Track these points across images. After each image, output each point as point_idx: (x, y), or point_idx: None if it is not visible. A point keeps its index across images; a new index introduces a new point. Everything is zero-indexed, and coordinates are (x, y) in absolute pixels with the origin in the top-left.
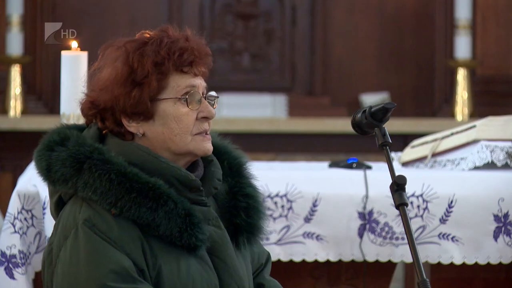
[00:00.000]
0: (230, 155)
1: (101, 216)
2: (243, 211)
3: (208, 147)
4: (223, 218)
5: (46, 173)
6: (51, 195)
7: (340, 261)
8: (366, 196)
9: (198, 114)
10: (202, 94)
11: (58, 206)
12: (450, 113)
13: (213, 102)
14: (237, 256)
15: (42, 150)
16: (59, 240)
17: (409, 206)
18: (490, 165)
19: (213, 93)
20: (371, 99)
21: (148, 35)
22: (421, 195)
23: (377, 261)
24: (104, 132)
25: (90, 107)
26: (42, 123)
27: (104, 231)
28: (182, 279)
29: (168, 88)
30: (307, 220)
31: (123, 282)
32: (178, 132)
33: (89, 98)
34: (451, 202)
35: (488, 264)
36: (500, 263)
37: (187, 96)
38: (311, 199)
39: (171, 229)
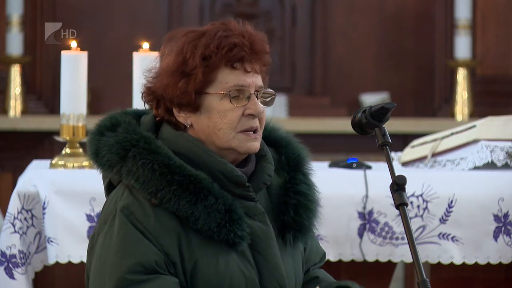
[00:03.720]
0: (290, 149)
1: (140, 205)
2: (292, 208)
3: (251, 146)
4: (273, 213)
5: (95, 157)
6: (103, 179)
7: (340, 261)
8: (366, 196)
9: (244, 111)
10: (256, 91)
11: (108, 190)
12: (450, 113)
13: (268, 100)
14: (284, 254)
15: (93, 135)
16: (100, 224)
17: (409, 206)
18: (490, 165)
19: (269, 90)
20: (371, 99)
21: (209, 27)
22: (421, 195)
23: (377, 261)
24: (157, 119)
25: (148, 93)
26: (42, 123)
27: (141, 220)
28: (219, 274)
29: (216, 82)
30: None
31: (145, 274)
32: (221, 127)
33: (147, 84)
34: (451, 202)
35: (488, 264)
36: (500, 263)
37: (230, 92)
38: None
39: (209, 223)
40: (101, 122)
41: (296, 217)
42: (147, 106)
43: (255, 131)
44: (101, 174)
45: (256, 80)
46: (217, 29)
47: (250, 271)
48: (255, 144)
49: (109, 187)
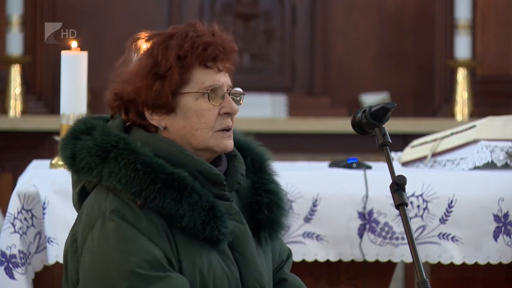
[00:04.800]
0: (253, 151)
1: (129, 207)
2: (266, 207)
3: (228, 144)
4: (245, 213)
5: (71, 161)
6: (74, 185)
7: (340, 261)
8: (366, 196)
9: (220, 110)
10: (227, 90)
11: (81, 196)
12: (450, 113)
13: (238, 99)
14: (258, 252)
15: (67, 139)
16: (84, 229)
17: (409, 206)
18: (490, 165)
19: (238, 89)
20: (371, 99)
21: (175, 29)
22: (421, 195)
23: (377, 261)
24: (127, 124)
25: (115, 98)
26: (42, 123)
27: (132, 222)
28: (204, 273)
29: (191, 82)
30: (307, 220)
31: (154, 271)
32: (199, 126)
33: (113, 89)
34: (451, 202)
35: (488, 264)
36: (500, 263)
37: (209, 91)
38: (311, 199)
39: (194, 221)
40: (74, 126)
41: (271, 215)
42: (109, 112)
43: (228, 130)
44: (72, 180)
45: (227, 79)
46: (186, 30)
47: (232, 270)
48: (231, 142)
49: (81, 193)
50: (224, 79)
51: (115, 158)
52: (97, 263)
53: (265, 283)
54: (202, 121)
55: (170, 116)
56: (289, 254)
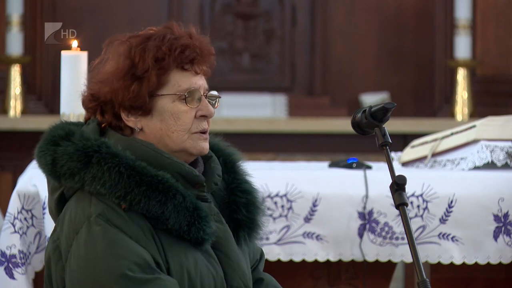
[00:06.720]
0: (224, 152)
1: (114, 211)
2: (243, 207)
3: (204, 146)
4: (223, 214)
5: (51, 167)
6: (52, 191)
7: (340, 261)
8: (366, 196)
9: (197, 113)
10: (203, 93)
11: (59, 203)
12: (450, 113)
13: (214, 102)
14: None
15: (46, 145)
16: (68, 234)
17: (409, 206)
18: (490, 165)
19: (214, 92)
20: (371, 99)
21: (152, 31)
22: (421, 195)
23: (377, 261)
24: (103, 126)
25: (91, 99)
26: (42, 123)
27: (119, 225)
28: (191, 273)
29: (168, 84)
30: (307, 220)
31: (144, 273)
32: (175, 129)
33: (90, 90)
34: (451, 202)
35: (488, 264)
36: (500, 263)
37: (186, 94)
38: (311, 199)
39: (180, 222)
40: (52, 132)
41: (249, 214)
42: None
43: (204, 133)
44: (50, 187)
45: (203, 82)
46: (163, 32)
47: (216, 270)
48: (207, 145)
49: (60, 200)
50: (200, 82)
51: (98, 163)
52: (85, 268)
53: (248, 282)
54: (178, 123)
55: (146, 117)
56: (262, 253)
